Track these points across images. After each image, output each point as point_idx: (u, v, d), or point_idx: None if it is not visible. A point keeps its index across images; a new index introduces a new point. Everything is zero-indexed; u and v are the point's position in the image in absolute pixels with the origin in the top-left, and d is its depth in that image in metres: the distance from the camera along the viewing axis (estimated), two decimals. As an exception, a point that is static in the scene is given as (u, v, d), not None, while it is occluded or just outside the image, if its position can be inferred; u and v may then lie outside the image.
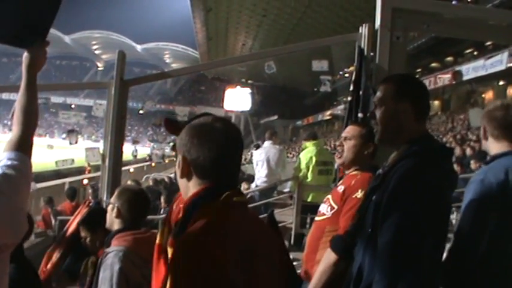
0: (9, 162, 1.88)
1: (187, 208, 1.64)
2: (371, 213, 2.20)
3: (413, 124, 2.30)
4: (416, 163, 2.15)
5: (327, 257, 2.82)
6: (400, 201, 2.07)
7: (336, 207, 3.08)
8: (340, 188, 3.12)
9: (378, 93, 2.40)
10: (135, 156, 35.76)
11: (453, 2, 21.27)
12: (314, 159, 8.29)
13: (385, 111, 2.34)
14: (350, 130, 3.31)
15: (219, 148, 1.65)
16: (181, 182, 1.72)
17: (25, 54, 2.09)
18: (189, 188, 1.69)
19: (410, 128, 2.30)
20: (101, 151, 4.86)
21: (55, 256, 4.04)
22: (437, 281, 2.18)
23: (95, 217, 3.65)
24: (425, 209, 2.05)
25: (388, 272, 2.01)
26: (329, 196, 3.22)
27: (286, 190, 10.70)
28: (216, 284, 1.42)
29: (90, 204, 4.42)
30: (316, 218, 3.26)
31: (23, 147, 1.96)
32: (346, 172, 3.28)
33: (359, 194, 2.95)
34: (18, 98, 2.06)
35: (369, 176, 2.95)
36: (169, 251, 1.57)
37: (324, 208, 3.19)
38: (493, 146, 2.63)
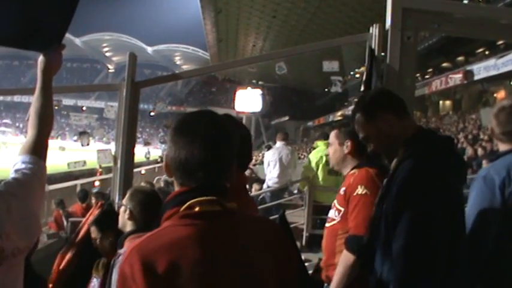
0: (23, 166, 1.89)
1: (160, 212, 1.57)
2: (383, 221, 2.20)
3: (399, 125, 2.32)
4: (416, 163, 2.15)
5: (344, 259, 2.86)
6: (407, 203, 2.08)
7: (342, 209, 3.11)
8: (342, 190, 3.17)
9: (359, 134, 2.45)
10: (148, 158, 35.85)
11: (464, 1, 21.18)
12: (324, 158, 8.25)
13: (374, 138, 2.38)
14: (331, 135, 3.43)
15: (188, 149, 1.50)
16: None
17: (40, 58, 2.08)
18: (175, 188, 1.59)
19: (399, 130, 2.31)
20: (113, 153, 4.88)
21: (67, 257, 4.05)
22: (460, 275, 2.14)
23: (106, 219, 3.66)
24: (433, 207, 2.05)
25: (404, 277, 2.01)
26: (335, 201, 3.25)
27: (296, 191, 10.68)
28: None
29: (102, 205, 4.44)
30: (327, 225, 3.30)
31: (37, 150, 1.97)
32: (344, 174, 3.35)
33: (359, 191, 2.97)
34: (33, 102, 2.06)
35: (365, 171, 3.04)
36: None
37: (332, 213, 3.23)
38: (500, 145, 2.71)
